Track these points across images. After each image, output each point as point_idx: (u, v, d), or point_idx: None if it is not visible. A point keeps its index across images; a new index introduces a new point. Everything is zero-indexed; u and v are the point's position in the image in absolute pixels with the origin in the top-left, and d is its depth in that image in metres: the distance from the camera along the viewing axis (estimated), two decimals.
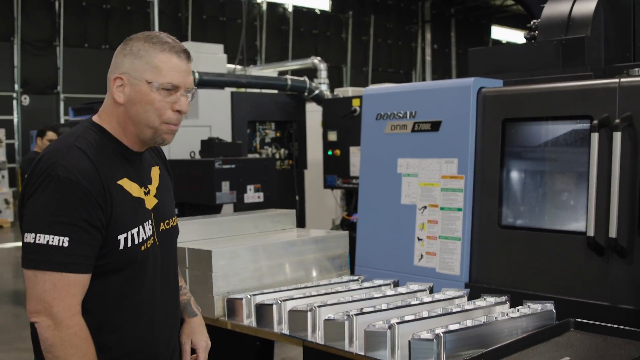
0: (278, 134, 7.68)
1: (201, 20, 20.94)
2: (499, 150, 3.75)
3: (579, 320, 2.82)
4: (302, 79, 8.13)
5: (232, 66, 10.45)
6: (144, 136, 2.19)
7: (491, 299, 2.77)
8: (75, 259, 2.00)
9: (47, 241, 1.97)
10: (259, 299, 2.67)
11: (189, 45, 10.53)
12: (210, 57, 9.03)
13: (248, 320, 2.68)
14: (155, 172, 2.37)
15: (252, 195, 6.27)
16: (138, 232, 2.15)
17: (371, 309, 2.38)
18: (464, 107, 3.83)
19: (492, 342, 2.30)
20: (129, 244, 2.13)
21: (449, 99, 3.90)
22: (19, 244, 12.74)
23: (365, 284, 2.73)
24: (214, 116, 7.23)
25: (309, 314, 2.39)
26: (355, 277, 2.81)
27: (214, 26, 21.26)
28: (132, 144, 2.22)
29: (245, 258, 2.85)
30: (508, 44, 5.53)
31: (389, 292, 2.71)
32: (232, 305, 2.72)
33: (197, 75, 7.23)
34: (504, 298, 2.76)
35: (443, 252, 3.89)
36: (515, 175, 3.77)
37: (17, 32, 17.87)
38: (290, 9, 23.10)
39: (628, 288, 3.24)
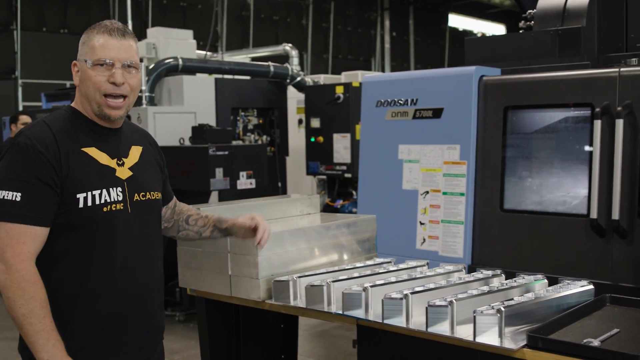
0: (260, 121, 7.71)
1: (161, 6, 20.69)
2: (501, 137, 3.87)
3: (614, 295, 2.98)
4: (284, 65, 8.17)
5: (202, 52, 10.39)
6: (94, 110, 2.44)
7: (488, 272, 2.95)
8: (26, 211, 2.25)
9: (3, 196, 2.26)
10: (305, 280, 2.75)
11: (158, 31, 10.44)
12: (180, 42, 8.98)
13: (295, 301, 2.76)
14: (135, 150, 2.60)
15: (244, 181, 6.30)
16: (101, 194, 2.38)
17: (422, 288, 2.47)
18: (466, 94, 3.93)
19: (539, 317, 2.42)
20: (89, 203, 2.35)
21: (451, 86, 4.00)
22: None
23: (401, 266, 2.82)
24: (198, 103, 7.23)
25: (362, 294, 2.48)
26: (388, 260, 2.89)
27: (174, 11, 21.03)
28: (97, 120, 2.48)
29: (286, 241, 2.92)
30: (506, 34, 5.64)
31: (429, 272, 2.81)
32: (279, 287, 2.79)
33: (180, 61, 7.21)
34: (498, 271, 2.96)
35: (446, 236, 4.01)
36: (516, 160, 3.90)
37: None
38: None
39: (628, 267, 3.40)
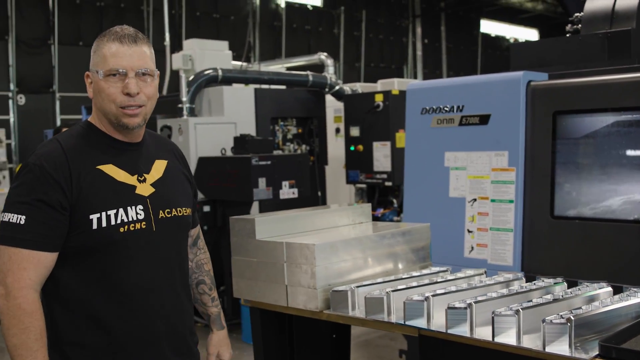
0: (300, 130, 7.71)
1: (194, 17, 20.86)
2: (550, 142, 3.82)
3: None
4: (322, 74, 8.15)
5: (237, 63, 10.43)
6: (111, 122, 2.31)
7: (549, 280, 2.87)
8: (29, 235, 2.14)
9: (9, 219, 2.17)
10: (363, 290, 2.72)
11: (194, 42, 10.51)
12: (216, 53, 9.02)
13: (353, 311, 2.73)
14: (159, 165, 2.47)
15: (287, 191, 6.28)
16: (117, 214, 2.25)
17: (485, 297, 2.43)
18: (514, 100, 3.89)
19: (607, 327, 2.36)
20: (104, 224, 2.22)
21: (498, 92, 3.96)
22: None
23: (459, 274, 2.78)
24: (238, 113, 7.23)
25: (424, 303, 2.45)
26: (444, 268, 2.86)
27: (208, 23, 21.18)
28: (115, 134, 2.35)
29: (341, 251, 2.89)
30: (553, 38, 5.48)
31: (488, 281, 2.77)
32: (337, 298, 2.76)
33: (220, 72, 7.23)
34: (559, 279, 2.88)
35: (495, 244, 3.96)
36: (566, 166, 3.84)
37: (12, 31, 17.71)
38: (282, 5, 23.08)
39: None
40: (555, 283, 2.70)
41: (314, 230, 3.21)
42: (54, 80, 18.08)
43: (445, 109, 4.17)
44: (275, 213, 3.34)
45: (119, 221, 2.25)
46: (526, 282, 2.86)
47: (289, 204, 6.54)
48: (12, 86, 17.51)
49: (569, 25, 4.26)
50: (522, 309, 2.27)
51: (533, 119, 3.86)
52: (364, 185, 7.48)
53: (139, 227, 2.29)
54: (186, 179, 2.58)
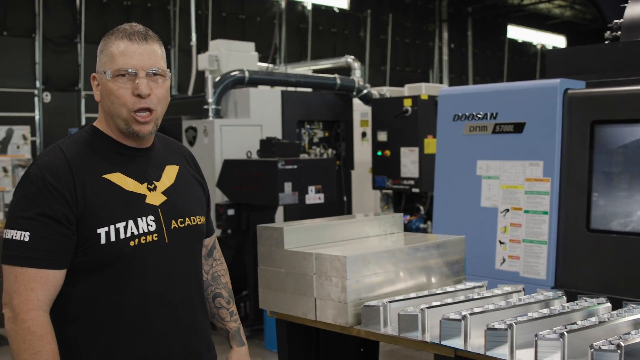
0: (326, 134, 7.61)
1: (221, 18, 20.88)
2: (587, 152, 3.69)
3: None
4: (350, 78, 8.06)
5: (264, 64, 10.37)
6: (120, 128, 2.15)
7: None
8: (35, 253, 2.00)
9: (12, 236, 2.01)
10: (396, 306, 2.61)
11: (220, 43, 10.46)
12: (242, 55, 8.95)
13: (385, 328, 2.61)
14: (170, 171, 2.31)
15: (313, 196, 6.18)
16: (126, 227, 2.10)
17: (526, 318, 2.31)
18: (550, 108, 3.77)
19: None
20: (112, 238, 2.08)
21: (534, 100, 3.84)
22: None
23: (496, 291, 2.66)
24: (264, 115, 7.15)
25: (462, 322, 2.34)
26: (479, 284, 2.74)
27: (233, 24, 21.18)
28: (123, 139, 2.19)
29: (374, 264, 2.77)
30: (589, 45, 5.23)
31: (527, 299, 2.64)
32: (369, 313, 2.64)
33: (247, 73, 7.16)
34: (603, 298, 2.72)
35: (527, 256, 3.84)
36: (604, 177, 3.71)
37: (39, 29, 17.83)
38: (309, 7, 23.04)
39: None
40: (598, 303, 2.57)
41: (343, 241, 3.10)
42: (79, 79, 18.16)
43: (479, 116, 4.05)
44: (303, 222, 3.22)
45: (128, 234, 2.10)
46: (567, 301, 2.73)
47: (315, 209, 6.44)
48: (38, 84, 17.60)
49: (608, 32, 4.12)
50: (567, 332, 2.15)
51: (569, 128, 3.74)
52: (390, 191, 7.37)
53: (150, 240, 2.15)
54: (199, 184, 2.42)
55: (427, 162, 6.83)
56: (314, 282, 2.77)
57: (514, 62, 29.77)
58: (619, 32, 4.06)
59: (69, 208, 2.03)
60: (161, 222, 2.18)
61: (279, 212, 7.03)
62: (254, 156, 6.71)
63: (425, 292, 2.64)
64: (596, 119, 3.67)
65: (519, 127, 3.88)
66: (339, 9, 23.37)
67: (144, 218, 2.14)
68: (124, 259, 2.10)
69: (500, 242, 3.94)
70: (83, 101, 18.15)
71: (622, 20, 4.05)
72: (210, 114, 7.03)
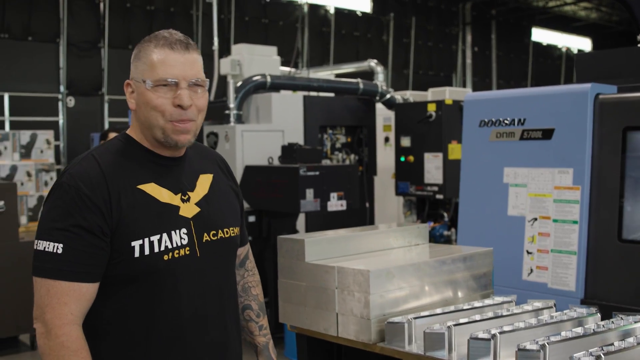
0: (349, 139, 7.50)
1: (243, 22, 20.88)
2: (619, 160, 3.57)
3: None
4: (373, 82, 7.95)
5: (286, 69, 10.30)
6: (157, 138, 2.09)
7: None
8: (68, 266, 1.93)
9: (44, 247, 1.94)
10: (421, 322, 2.49)
11: (242, 47, 10.41)
12: (264, 59, 8.88)
13: (410, 346, 2.50)
14: (204, 180, 2.24)
15: (335, 203, 6.07)
16: (160, 240, 2.03)
17: (560, 338, 2.19)
18: (581, 114, 3.64)
19: None
20: (147, 252, 2.01)
21: (563, 105, 3.72)
22: None
23: (526, 307, 2.55)
24: (286, 120, 7.06)
25: (491, 342, 2.23)
26: (508, 299, 2.62)
27: (256, 28, 21.19)
28: (158, 149, 2.13)
29: (398, 278, 2.65)
30: (622, 48, 4.96)
31: (560, 316, 2.52)
32: (393, 330, 2.52)
33: (268, 78, 7.08)
34: None
35: (556, 267, 3.72)
36: (636, 185, 3.58)
37: (63, 34, 17.93)
38: (332, 11, 23.00)
39: None
40: (635, 322, 2.44)
41: (367, 253, 2.99)
42: (103, 83, 18.23)
43: (506, 121, 3.94)
44: (325, 233, 3.12)
45: (162, 248, 2.03)
46: (602, 318, 2.61)
47: (337, 216, 6.33)
48: (62, 88, 17.69)
49: None
50: (604, 354, 2.03)
51: (601, 135, 3.62)
52: (413, 198, 7.25)
53: (183, 254, 2.07)
54: (233, 192, 2.34)
55: (451, 168, 6.71)
56: (336, 296, 2.66)
57: (539, 65, 29.50)
58: None
59: (103, 219, 1.97)
60: (193, 235, 2.12)
61: (301, 219, 6.93)
62: (276, 162, 6.63)
63: (452, 308, 2.53)
64: (629, 125, 3.54)
65: (547, 134, 3.76)
66: (361, 12, 23.29)
67: (177, 231, 2.08)
68: (157, 273, 2.03)
69: (528, 252, 3.83)
70: (106, 105, 18.22)
71: None
72: (232, 119, 6.95)
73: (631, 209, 3.55)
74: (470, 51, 26.82)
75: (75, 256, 1.93)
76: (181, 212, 2.11)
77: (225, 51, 14.89)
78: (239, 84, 7.19)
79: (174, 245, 2.06)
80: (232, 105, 6.96)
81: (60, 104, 17.66)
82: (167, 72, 2.03)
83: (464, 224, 4.15)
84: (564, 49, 30.86)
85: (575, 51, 31.04)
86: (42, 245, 1.95)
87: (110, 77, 18.30)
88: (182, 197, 2.13)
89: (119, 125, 9.34)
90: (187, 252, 2.09)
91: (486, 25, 27.45)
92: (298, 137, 7.06)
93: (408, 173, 6.97)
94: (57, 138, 17.02)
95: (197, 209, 2.15)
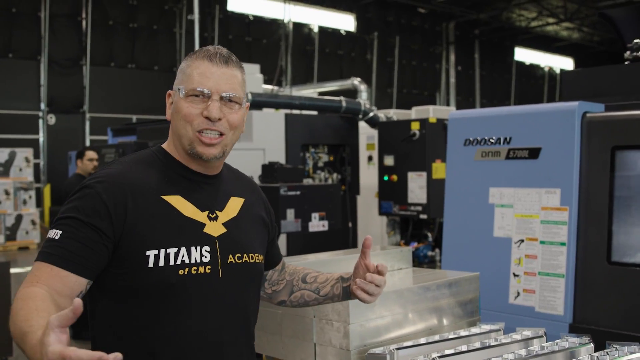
0: (331, 158, 7.37)
1: (227, 40, 20.82)
2: (608, 180, 3.46)
3: None
4: (356, 100, 7.85)
5: (269, 87, 10.21)
6: (185, 149, 2.04)
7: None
8: (59, 251, 1.85)
9: (48, 235, 1.90)
10: (404, 353, 2.34)
11: None
12: (247, 77, 8.76)
13: None
14: (235, 203, 2.15)
15: (317, 223, 5.92)
16: (177, 253, 1.94)
17: None
18: (568, 133, 3.55)
19: None
20: (161, 263, 1.91)
21: (550, 124, 3.62)
22: None
23: (515, 336, 2.41)
24: (267, 139, 6.92)
25: None
26: (496, 327, 2.49)
27: (239, 46, 21.12)
28: (190, 163, 2.07)
29: (380, 306, 2.50)
30: (609, 66, 4.80)
31: (551, 346, 2.38)
32: None
33: (249, 95, 6.96)
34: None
35: (544, 290, 3.60)
36: (626, 206, 3.48)
37: (44, 51, 17.78)
38: (315, 29, 23.00)
39: None
40: (630, 352, 2.31)
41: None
42: (84, 101, 18.06)
43: (491, 140, 3.83)
44: (306, 257, 2.98)
45: (178, 262, 1.93)
46: (595, 349, 2.47)
47: (319, 237, 6.19)
48: (42, 106, 17.51)
49: (628, 52, 3.91)
50: None
51: (588, 154, 3.52)
52: (397, 217, 7.12)
53: (202, 272, 1.97)
54: (263, 224, 2.25)
55: (435, 188, 6.60)
56: (314, 326, 2.52)
57: (522, 84, 29.64)
58: None
59: (110, 223, 1.89)
60: (217, 254, 2.02)
61: (282, 240, 6.78)
62: (256, 181, 6.49)
63: (437, 337, 2.39)
64: (617, 145, 3.44)
65: (534, 153, 3.66)
66: (345, 31, 23.30)
67: (198, 247, 1.99)
68: (169, 288, 1.92)
69: (514, 275, 3.71)
70: (88, 123, 18.04)
71: None
72: None
73: (621, 230, 3.45)
74: (454, 70, 26.90)
75: (69, 244, 1.86)
76: (206, 230, 2.03)
77: None
78: None
79: (193, 261, 1.96)
80: None
81: (40, 121, 17.47)
82: (202, 83, 2.00)
83: (449, 245, 4.03)
84: (546, 69, 31.06)
85: (558, 71, 31.24)
86: (48, 234, 1.90)
87: (92, 95, 18.15)
88: (210, 214, 2.06)
89: (99, 144, 9.19)
90: (208, 271, 1.99)
91: (469, 44, 27.56)
92: (279, 156, 6.92)
93: (391, 192, 6.85)
94: (37, 156, 16.80)
95: (224, 229, 2.07)
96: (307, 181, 6.91)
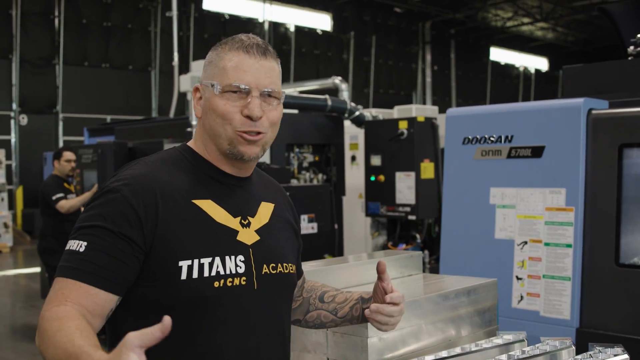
0: (316, 158, 7.19)
1: (202, 39, 20.61)
2: (616, 179, 3.34)
3: None
4: (342, 99, 7.69)
5: None
6: (222, 150, 1.84)
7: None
8: (85, 265, 1.64)
9: (70, 247, 1.68)
10: None
11: (202, 64, 10.10)
12: None
13: None
14: (266, 208, 1.95)
15: (305, 225, 5.72)
16: (212, 263, 1.74)
17: None
18: (573, 130, 3.42)
19: None
20: (195, 275, 1.71)
21: (554, 121, 3.49)
22: (20, 270, 12.00)
23: (540, 347, 2.26)
24: None
25: None
26: (520, 338, 2.34)
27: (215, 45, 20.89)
28: (222, 164, 1.87)
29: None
30: (613, 61, 4.62)
31: (581, 358, 2.23)
32: None
33: None
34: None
35: (549, 293, 3.47)
36: (634, 206, 3.36)
37: (16, 50, 17.43)
38: (292, 29, 22.85)
39: None
40: (614, 355, 2.16)
41: (359, 286, 2.67)
42: (57, 101, 17.76)
43: (492, 139, 3.70)
44: (310, 263, 2.79)
45: (213, 273, 1.74)
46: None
47: (306, 239, 6.01)
48: (14, 106, 17.15)
49: (632, 47, 3.79)
50: None
51: (594, 152, 3.39)
52: (382, 218, 6.96)
53: (237, 283, 1.78)
54: (293, 230, 2.08)
55: (424, 188, 6.46)
56: (327, 340, 2.34)
57: (497, 84, 29.78)
58: None
59: (140, 230, 1.69)
60: (252, 264, 1.83)
61: None
62: None
63: (458, 350, 2.23)
64: (625, 142, 3.32)
65: (537, 151, 3.52)
66: (322, 30, 23.22)
67: (232, 257, 1.80)
68: (204, 302, 1.73)
69: (518, 278, 3.58)
70: (61, 124, 17.73)
71: None
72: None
73: (629, 231, 3.33)
74: (430, 70, 26.93)
75: (97, 257, 1.65)
76: (239, 237, 1.83)
77: (184, 68, 14.56)
78: None
79: (228, 272, 1.77)
80: (194, 122, 6.64)
81: (12, 122, 17.11)
82: (239, 77, 1.79)
83: (447, 248, 3.89)
84: (521, 68, 31.22)
85: (533, 70, 31.43)
86: (69, 245, 1.69)
87: (65, 95, 17.84)
88: (242, 221, 1.86)
89: (76, 144, 8.97)
90: (243, 283, 1.80)
91: (446, 44, 27.62)
92: (264, 156, 6.73)
93: (379, 193, 6.69)
94: (9, 157, 16.45)
95: (257, 237, 1.88)
96: (292, 182, 6.73)
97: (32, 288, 10.72)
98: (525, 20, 26.76)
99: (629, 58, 3.80)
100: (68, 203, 6.95)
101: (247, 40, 1.82)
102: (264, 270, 1.84)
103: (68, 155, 7.22)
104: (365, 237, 8.34)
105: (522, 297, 3.57)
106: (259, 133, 1.81)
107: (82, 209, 7.33)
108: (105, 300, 1.66)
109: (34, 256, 10.75)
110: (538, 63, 31.92)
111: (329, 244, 6.50)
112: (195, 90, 1.89)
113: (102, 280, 1.65)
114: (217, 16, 20.87)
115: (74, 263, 1.65)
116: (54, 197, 6.89)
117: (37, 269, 10.03)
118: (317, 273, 2.65)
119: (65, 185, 7.18)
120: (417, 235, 6.68)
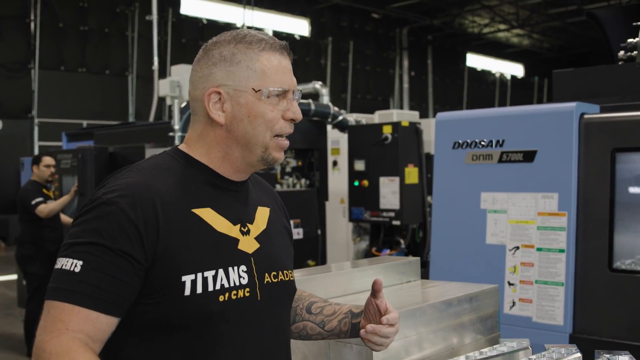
0: (299, 163, 7.12)
1: (180, 44, 20.46)
2: (609, 184, 3.33)
3: None
4: (325, 104, 7.64)
5: None
6: (253, 158, 1.73)
7: None
8: (82, 287, 1.52)
9: (62, 265, 1.55)
10: None
11: (182, 68, 10.00)
12: None
13: None
14: (262, 213, 1.85)
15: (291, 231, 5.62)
16: (215, 276, 1.64)
17: None
18: (566, 135, 3.40)
19: None
20: (199, 290, 1.60)
21: (546, 126, 3.48)
22: None
23: (546, 354, 2.22)
24: None
25: None
26: (524, 344, 2.29)
27: (193, 50, 20.69)
28: (231, 172, 1.76)
29: (402, 325, 2.26)
30: (604, 65, 4.63)
31: None
32: None
33: None
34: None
35: (542, 299, 3.45)
36: (627, 211, 3.35)
37: None
38: (270, 34, 22.69)
39: None
40: None
41: (359, 293, 2.60)
42: (33, 106, 17.53)
43: (482, 143, 3.67)
44: (309, 270, 2.73)
45: (218, 287, 1.64)
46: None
47: (296, 246, 5.95)
48: None
49: (622, 52, 3.78)
50: None
51: (587, 157, 3.38)
52: (364, 224, 6.91)
53: (241, 295, 1.68)
54: (288, 235, 1.98)
55: (408, 193, 6.42)
56: (329, 348, 2.28)
57: (474, 89, 29.91)
58: (635, 52, 3.72)
59: (140, 245, 1.57)
60: (254, 274, 1.74)
61: None
62: None
63: (462, 358, 2.18)
64: (618, 147, 3.31)
65: (529, 156, 3.50)
66: (299, 36, 23.17)
67: (235, 268, 1.70)
68: (209, 318, 1.64)
69: (510, 284, 3.55)
70: (36, 129, 17.49)
71: (637, 39, 3.72)
72: (177, 141, 6.52)
73: (622, 235, 3.31)
74: (407, 76, 26.98)
75: (95, 278, 1.54)
76: (240, 246, 1.73)
77: (162, 73, 14.44)
78: (184, 104, 6.78)
79: (232, 284, 1.67)
80: (176, 127, 6.54)
81: None
82: (283, 80, 1.72)
83: (437, 254, 3.85)
84: (497, 75, 31.39)
85: (509, 77, 31.63)
86: (60, 263, 1.56)
87: (41, 100, 17.61)
88: (242, 228, 1.76)
89: (51, 149, 8.83)
90: (247, 294, 1.70)
91: (422, 50, 27.69)
92: None
93: (362, 198, 6.64)
94: None
95: (257, 245, 1.78)
96: (275, 187, 6.67)
97: (8, 296, 10.53)
98: (502, 26, 26.92)
99: (619, 63, 3.79)
100: (47, 207, 6.82)
101: (270, 39, 1.73)
102: (266, 280, 1.76)
103: (47, 160, 7.09)
104: (347, 242, 8.28)
105: (514, 303, 3.54)
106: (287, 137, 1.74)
107: (62, 214, 7.22)
108: (107, 325, 1.57)
109: (9, 263, 10.57)
110: (514, 69, 32.13)
111: (312, 249, 6.44)
112: (212, 94, 1.72)
113: (102, 303, 1.54)
114: (194, 21, 20.75)
115: (69, 285, 1.53)
116: (33, 202, 6.76)
117: (13, 277, 9.85)
118: (318, 280, 2.59)
119: (44, 191, 7.05)
120: (402, 241, 6.64)
